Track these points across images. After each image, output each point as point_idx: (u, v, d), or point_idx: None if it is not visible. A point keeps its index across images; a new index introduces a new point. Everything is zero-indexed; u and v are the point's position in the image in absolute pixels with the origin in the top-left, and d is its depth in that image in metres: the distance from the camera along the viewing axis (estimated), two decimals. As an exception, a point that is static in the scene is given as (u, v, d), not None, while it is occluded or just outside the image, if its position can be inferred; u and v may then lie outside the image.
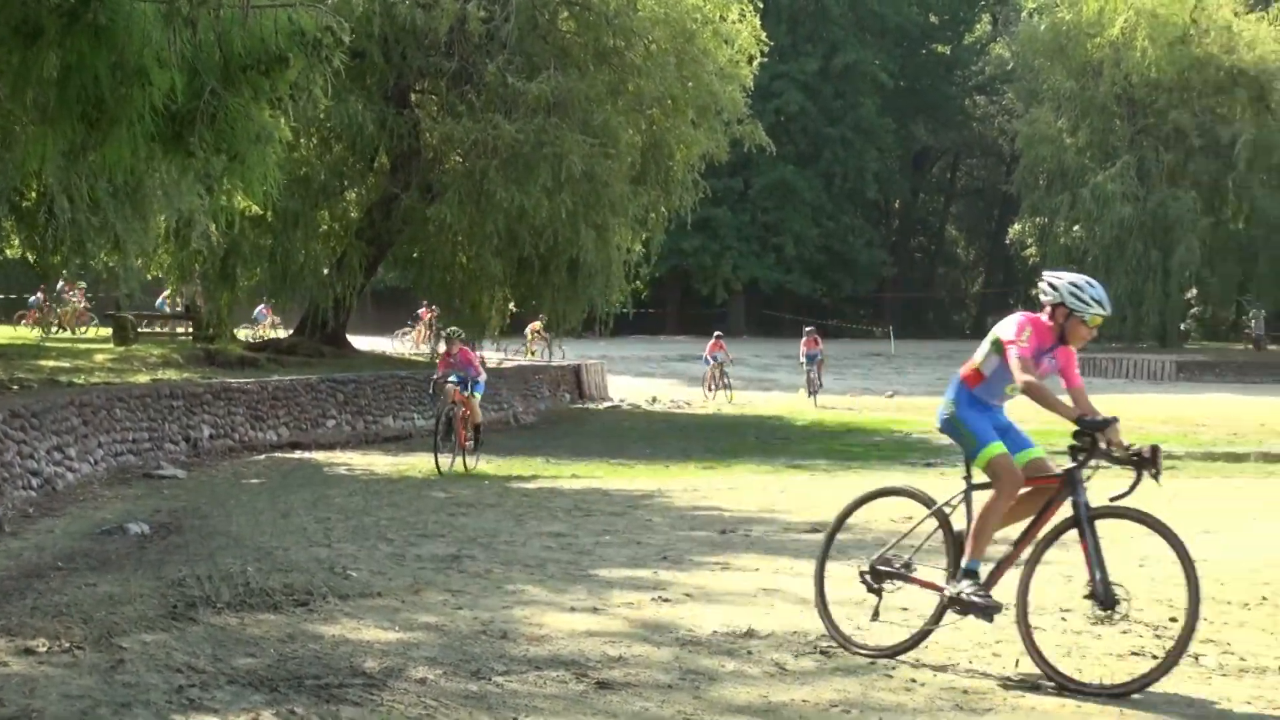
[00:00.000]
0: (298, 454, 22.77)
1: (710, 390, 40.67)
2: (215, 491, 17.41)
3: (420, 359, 36.34)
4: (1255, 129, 60.48)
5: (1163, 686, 7.51)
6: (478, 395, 21.08)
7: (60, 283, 39.95)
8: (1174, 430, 29.64)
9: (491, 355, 39.86)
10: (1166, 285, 61.73)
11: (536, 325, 46.02)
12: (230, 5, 13.35)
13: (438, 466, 20.29)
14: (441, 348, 23.42)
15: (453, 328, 24.43)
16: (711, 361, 41.05)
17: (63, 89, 13.01)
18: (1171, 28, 61.23)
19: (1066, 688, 7.44)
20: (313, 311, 33.77)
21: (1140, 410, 35.05)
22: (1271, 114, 61.66)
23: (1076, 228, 63.97)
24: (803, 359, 39.97)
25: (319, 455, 22.91)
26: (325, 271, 32.40)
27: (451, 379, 20.81)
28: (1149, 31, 60.85)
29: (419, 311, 43.16)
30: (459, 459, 20.76)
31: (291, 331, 37.01)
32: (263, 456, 22.34)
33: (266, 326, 46.00)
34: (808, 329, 41.19)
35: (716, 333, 43.65)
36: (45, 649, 8.34)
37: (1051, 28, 64.69)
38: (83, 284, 41.68)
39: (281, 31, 13.50)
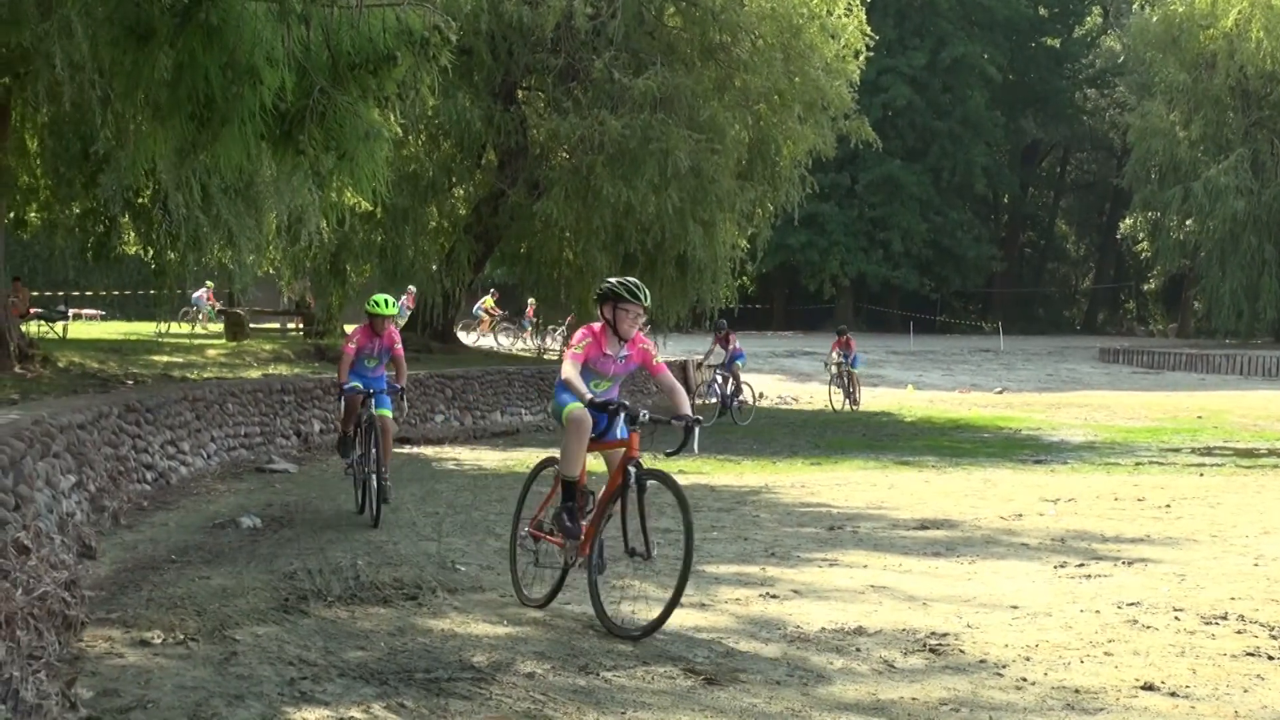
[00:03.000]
0: (407, 449, 22.89)
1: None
2: (326, 486, 17.56)
3: (526, 353, 36.40)
4: (1374, 121, 59.43)
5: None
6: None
7: (201, 290, 39.95)
8: (1291, 427, 29.13)
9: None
10: (1284, 280, 60.75)
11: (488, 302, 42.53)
12: (340, 5, 13.48)
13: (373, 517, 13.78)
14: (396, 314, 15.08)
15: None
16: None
17: (174, 88, 13.20)
18: (1288, 18, 60.20)
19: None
20: (422, 307, 34.04)
21: (1256, 408, 34.55)
22: (1390, 105, 60.54)
23: (1189, 222, 63.15)
24: (833, 361, 35.54)
25: (428, 450, 23.04)
26: (434, 267, 32.61)
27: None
28: (1264, 22, 59.77)
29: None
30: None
31: (400, 326, 37.21)
32: (372, 451, 22.46)
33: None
34: (840, 328, 37.26)
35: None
36: (160, 641, 8.45)
37: (1163, 20, 63.77)
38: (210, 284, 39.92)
39: (390, 30, 13.65)
